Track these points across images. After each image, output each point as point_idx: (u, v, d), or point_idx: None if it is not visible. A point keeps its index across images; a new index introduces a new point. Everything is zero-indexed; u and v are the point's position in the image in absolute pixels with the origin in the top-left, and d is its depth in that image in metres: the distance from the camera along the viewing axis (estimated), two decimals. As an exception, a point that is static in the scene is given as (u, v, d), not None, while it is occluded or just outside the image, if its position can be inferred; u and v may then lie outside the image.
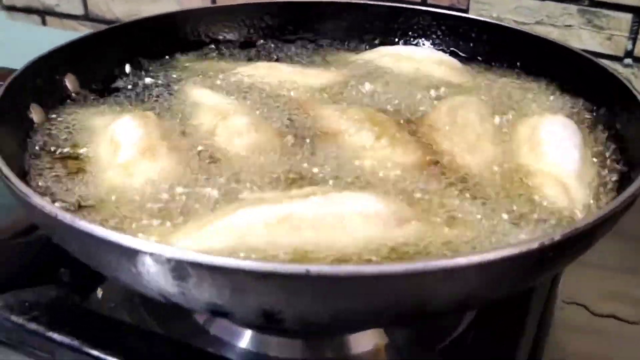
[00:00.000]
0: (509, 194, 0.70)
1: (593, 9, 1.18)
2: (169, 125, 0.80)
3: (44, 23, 1.68)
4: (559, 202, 0.69)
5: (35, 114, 0.79)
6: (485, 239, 0.63)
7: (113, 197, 0.68)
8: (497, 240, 0.63)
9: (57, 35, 1.63)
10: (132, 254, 0.52)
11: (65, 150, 0.76)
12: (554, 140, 0.76)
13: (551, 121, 0.80)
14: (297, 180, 0.70)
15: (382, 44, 1.05)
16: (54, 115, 0.83)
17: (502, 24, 1.02)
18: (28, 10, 1.67)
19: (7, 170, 0.60)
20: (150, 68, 0.97)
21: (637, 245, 0.93)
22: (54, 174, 0.72)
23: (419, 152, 0.75)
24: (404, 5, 1.07)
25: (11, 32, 1.67)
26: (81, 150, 0.76)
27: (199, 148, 0.75)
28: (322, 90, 0.89)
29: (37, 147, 0.76)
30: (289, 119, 0.82)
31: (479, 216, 0.66)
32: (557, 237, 0.53)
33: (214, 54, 1.03)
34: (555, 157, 0.74)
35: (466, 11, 1.25)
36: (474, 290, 0.55)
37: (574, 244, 0.56)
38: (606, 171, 0.75)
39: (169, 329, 0.78)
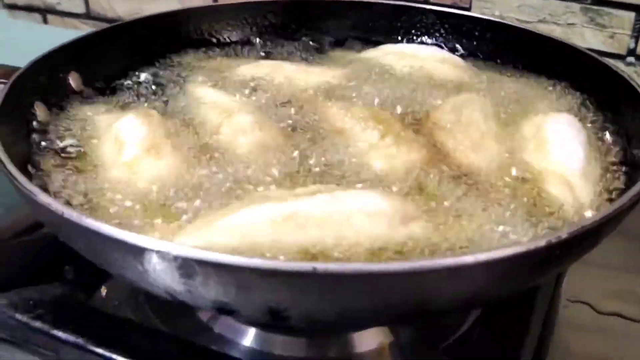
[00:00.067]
0: (514, 192, 0.70)
1: (596, 7, 1.18)
2: (172, 124, 0.80)
3: (45, 21, 1.67)
4: (564, 200, 0.69)
5: (40, 112, 0.79)
6: (490, 237, 0.63)
7: (118, 195, 0.68)
8: (503, 239, 0.63)
9: (58, 34, 1.63)
10: (139, 252, 0.52)
11: (70, 148, 0.76)
12: (559, 138, 0.76)
13: (556, 120, 0.80)
14: (302, 178, 0.70)
15: (385, 42, 1.05)
16: (57, 114, 0.82)
17: (506, 22, 1.02)
18: (29, 9, 1.67)
19: (12, 169, 0.60)
20: (154, 66, 0.96)
21: (641, 244, 0.93)
22: (58, 172, 0.72)
23: (424, 151, 0.75)
24: (408, 4, 1.07)
25: (12, 31, 1.66)
26: (85, 149, 0.76)
27: (204, 146, 0.75)
28: (325, 88, 0.89)
29: (41, 145, 0.76)
30: (293, 117, 0.81)
31: (483, 214, 0.66)
32: (564, 235, 0.53)
33: (217, 53, 1.03)
34: (560, 155, 0.74)
35: (468, 9, 1.25)
36: (481, 288, 0.55)
37: (581, 242, 0.56)
38: (611, 169, 0.75)
39: (173, 327, 0.78)
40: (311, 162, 0.73)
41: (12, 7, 1.68)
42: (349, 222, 0.61)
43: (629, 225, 0.63)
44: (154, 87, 0.91)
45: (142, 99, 0.88)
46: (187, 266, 0.51)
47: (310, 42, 1.06)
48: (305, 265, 0.49)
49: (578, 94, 0.90)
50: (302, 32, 1.08)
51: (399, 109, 0.84)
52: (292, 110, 0.83)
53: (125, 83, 0.92)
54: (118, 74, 0.93)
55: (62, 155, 0.75)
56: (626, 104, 0.81)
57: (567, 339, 0.80)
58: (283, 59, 1.01)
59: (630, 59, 1.19)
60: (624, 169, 0.75)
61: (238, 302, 0.54)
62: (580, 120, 0.82)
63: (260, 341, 0.77)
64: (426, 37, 1.06)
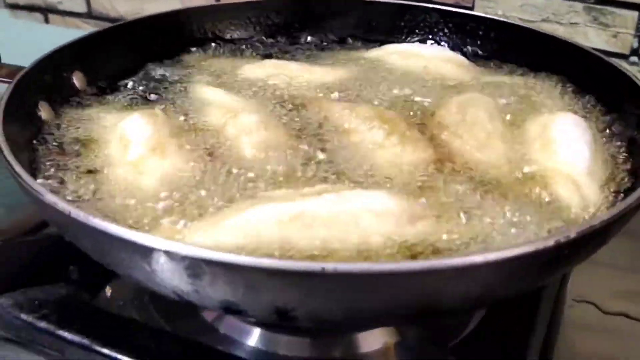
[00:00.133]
0: (521, 192, 0.70)
1: (599, 7, 1.18)
2: (177, 123, 0.80)
3: (46, 21, 1.67)
4: (571, 199, 0.69)
5: (44, 111, 0.79)
6: (497, 236, 0.63)
7: (123, 195, 0.68)
8: (509, 238, 0.63)
9: (60, 33, 1.63)
10: (146, 252, 0.52)
11: (75, 147, 0.76)
12: (565, 138, 0.76)
13: (562, 119, 0.80)
14: (307, 178, 0.70)
15: (388, 41, 1.05)
16: (62, 113, 0.82)
17: (510, 21, 1.02)
18: (30, 8, 1.67)
19: (19, 168, 0.60)
20: (158, 66, 0.96)
21: (647, 243, 0.93)
22: (63, 171, 0.72)
23: (429, 150, 0.74)
24: (411, 3, 1.07)
25: (14, 30, 1.66)
26: (90, 148, 0.76)
27: (209, 146, 0.75)
28: (330, 88, 0.89)
29: (46, 145, 0.76)
30: (298, 117, 0.81)
31: (490, 213, 0.66)
32: (572, 235, 0.53)
33: (221, 52, 1.03)
34: (566, 155, 0.74)
35: (471, 9, 1.25)
36: (489, 288, 0.55)
37: (589, 241, 0.56)
38: (617, 169, 0.75)
39: (178, 327, 0.78)
40: (317, 161, 0.73)
41: (14, 6, 1.67)
42: (356, 222, 0.60)
43: (634, 225, 0.63)
44: (157, 86, 0.91)
45: (146, 98, 0.88)
46: (195, 266, 0.51)
47: (314, 41, 1.06)
48: (314, 265, 0.49)
49: (583, 93, 0.90)
50: (306, 31, 1.08)
51: (403, 109, 0.84)
52: (297, 110, 0.83)
53: (129, 83, 0.92)
54: (122, 74, 0.93)
55: (67, 155, 0.74)
56: (631, 103, 0.81)
57: (573, 339, 0.80)
58: (286, 58, 1.01)
59: (634, 58, 1.19)
60: (629, 168, 0.75)
61: (245, 302, 0.54)
62: (585, 119, 0.82)
63: (265, 341, 0.76)
64: (430, 36, 1.06)
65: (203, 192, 0.68)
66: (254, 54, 1.03)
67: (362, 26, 1.08)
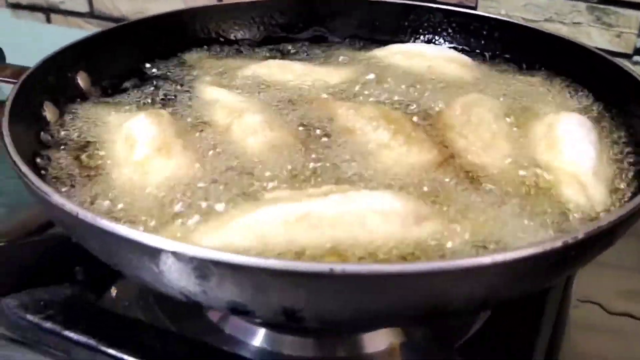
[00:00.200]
0: (526, 193, 0.70)
1: (602, 6, 1.18)
2: (182, 124, 0.80)
3: (48, 21, 1.67)
4: (577, 200, 0.69)
5: (49, 112, 0.79)
6: (503, 237, 0.63)
7: (129, 195, 0.68)
8: (516, 238, 0.63)
9: (62, 33, 1.63)
10: (154, 253, 0.52)
11: (80, 148, 0.76)
12: (570, 138, 0.76)
13: (567, 119, 0.80)
14: (313, 178, 0.70)
15: (392, 41, 1.05)
16: (67, 113, 0.82)
17: (515, 21, 1.02)
18: (32, 8, 1.67)
19: (26, 169, 0.60)
20: (162, 66, 0.96)
21: (652, 244, 0.93)
22: (69, 172, 0.72)
23: (435, 151, 0.74)
24: (415, 3, 1.07)
25: (16, 30, 1.66)
26: (96, 149, 0.76)
27: (214, 146, 0.75)
28: (334, 88, 0.89)
29: (51, 145, 0.76)
30: (302, 117, 0.81)
31: (496, 214, 0.66)
32: (580, 236, 0.53)
33: (225, 52, 1.03)
34: (572, 155, 0.74)
35: (474, 8, 1.25)
36: (497, 289, 0.55)
37: (596, 242, 0.56)
38: (622, 169, 0.75)
39: (183, 327, 0.78)
40: (322, 162, 0.73)
41: (16, 6, 1.67)
42: (363, 223, 0.60)
43: (638, 225, 0.62)
44: (162, 86, 0.91)
45: (151, 98, 0.88)
46: (203, 267, 0.51)
47: (318, 42, 1.06)
48: (322, 267, 0.49)
49: (587, 92, 0.90)
50: (309, 31, 1.08)
51: (408, 109, 0.84)
52: (302, 110, 0.83)
53: (134, 83, 0.92)
54: (126, 74, 0.93)
55: (72, 155, 0.74)
56: (636, 103, 0.81)
57: (578, 339, 0.80)
58: (290, 58, 1.01)
59: (637, 57, 1.19)
60: (635, 167, 0.75)
61: (253, 302, 0.54)
62: (590, 119, 0.82)
63: (270, 341, 0.77)
64: (433, 36, 1.06)
65: (209, 193, 0.67)
66: (258, 54, 1.03)
67: (366, 26, 1.08)
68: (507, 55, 1.00)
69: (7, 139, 0.65)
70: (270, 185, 0.68)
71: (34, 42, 1.56)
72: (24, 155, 0.63)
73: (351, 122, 0.78)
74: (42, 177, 0.69)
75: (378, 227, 0.61)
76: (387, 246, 0.60)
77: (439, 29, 1.06)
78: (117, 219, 0.63)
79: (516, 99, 0.88)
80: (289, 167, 0.71)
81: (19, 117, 0.71)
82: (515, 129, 0.81)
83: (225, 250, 0.51)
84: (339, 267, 0.49)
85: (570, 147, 0.75)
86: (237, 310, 0.56)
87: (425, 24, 1.06)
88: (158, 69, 0.95)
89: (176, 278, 0.53)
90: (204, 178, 0.70)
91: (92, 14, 1.62)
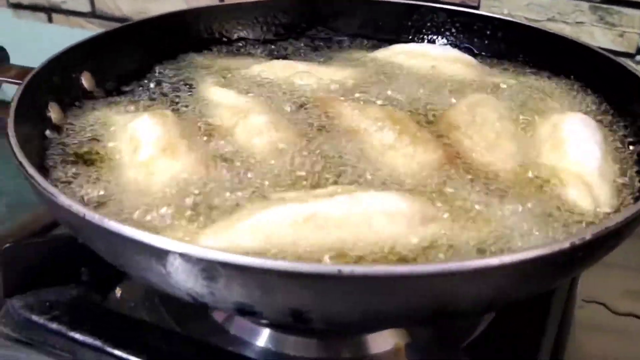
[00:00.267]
0: (532, 193, 0.70)
1: (605, 6, 1.18)
2: (187, 124, 0.80)
3: (50, 20, 1.67)
4: (583, 200, 0.69)
5: (54, 112, 0.79)
6: (509, 237, 0.63)
7: (135, 196, 0.68)
8: (522, 239, 0.63)
9: (63, 33, 1.63)
10: (162, 254, 0.52)
11: (85, 149, 0.76)
12: (575, 138, 0.76)
13: (572, 119, 0.79)
14: (319, 178, 0.70)
15: (396, 41, 1.05)
16: (71, 114, 0.82)
17: (518, 21, 1.02)
18: (34, 8, 1.66)
19: (32, 171, 0.60)
20: (166, 66, 0.96)
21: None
22: (74, 172, 0.71)
23: (440, 151, 0.74)
24: (418, 2, 1.07)
25: (17, 30, 1.66)
26: (100, 149, 0.76)
27: (219, 147, 0.75)
28: (339, 88, 0.89)
29: (56, 146, 0.76)
30: (307, 117, 0.81)
31: (502, 215, 0.66)
32: (588, 237, 0.53)
33: (228, 52, 1.03)
34: (577, 155, 0.73)
35: (477, 8, 1.24)
36: (504, 290, 0.55)
37: (604, 243, 0.56)
38: (627, 169, 0.75)
39: (189, 328, 0.78)
40: (328, 162, 0.72)
41: (17, 6, 1.67)
42: (369, 223, 0.61)
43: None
44: (166, 87, 0.90)
45: (155, 99, 0.88)
46: (211, 269, 0.51)
47: (321, 41, 1.06)
48: (331, 268, 0.49)
49: (591, 92, 0.90)
50: (312, 31, 1.08)
51: (413, 109, 0.84)
52: (306, 111, 0.83)
53: (138, 83, 0.92)
54: (130, 74, 0.93)
55: (77, 156, 0.74)
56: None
57: (583, 339, 0.80)
58: (294, 58, 1.01)
59: (640, 57, 1.19)
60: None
61: (261, 304, 0.54)
62: (594, 119, 0.82)
63: (274, 342, 0.77)
64: (437, 36, 1.06)
65: (215, 193, 0.67)
66: (262, 54, 1.03)
67: (369, 26, 1.08)
68: (510, 55, 1.00)
69: (13, 140, 0.65)
70: (277, 185, 0.68)
71: (36, 42, 1.56)
72: (30, 156, 0.63)
73: (356, 123, 0.78)
74: (47, 178, 0.69)
75: (384, 228, 0.61)
76: (394, 247, 0.60)
77: (443, 29, 1.06)
78: (123, 220, 0.62)
79: (520, 99, 0.88)
80: (295, 167, 0.71)
81: (24, 118, 0.71)
82: (519, 129, 0.81)
83: (232, 252, 0.51)
84: (347, 269, 0.49)
85: (575, 148, 0.75)
86: (244, 311, 0.56)
87: (429, 24, 1.07)
88: (162, 69, 0.95)
89: (183, 279, 0.53)
90: (210, 179, 0.69)
91: (93, 14, 1.62)
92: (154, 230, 0.62)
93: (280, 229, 0.59)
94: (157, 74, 0.94)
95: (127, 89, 0.90)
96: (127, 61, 0.93)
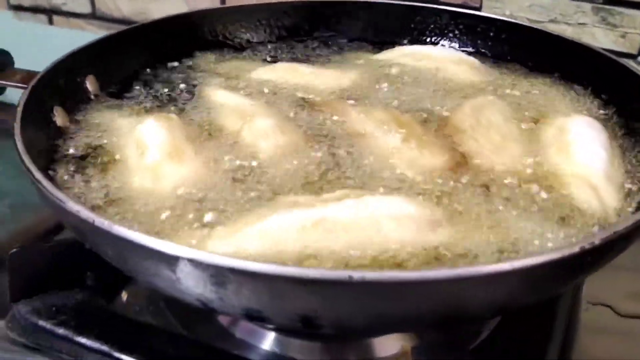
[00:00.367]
0: (539, 196, 0.69)
1: (607, 7, 1.18)
2: (192, 128, 0.80)
3: (50, 22, 1.67)
4: (589, 202, 0.69)
5: (59, 116, 0.79)
6: (517, 241, 0.63)
7: (142, 200, 0.67)
8: (530, 243, 0.63)
9: (64, 35, 1.63)
10: (171, 260, 0.51)
11: (90, 153, 0.76)
12: (581, 141, 0.76)
13: (577, 122, 0.80)
14: (326, 182, 0.70)
15: (399, 43, 1.05)
16: (76, 118, 0.82)
17: (523, 23, 1.02)
18: (34, 10, 1.66)
19: (39, 176, 0.60)
20: (171, 69, 0.96)
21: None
22: (80, 177, 0.71)
23: (446, 155, 0.74)
24: (421, 4, 1.07)
25: (18, 32, 1.65)
26: (106, 153, 0.76)
27: (225, 151, 0.75)
28: (343, 91, 0.89)
29: (61, 150, 0.76)
30: (313, 120, 0.81)
31: (509, 218, 0.66)
32: (597, 241, 0.53)
33: (232, 55, 1.03)
34: (583, 158, 0.74)
35: (479, 9, 1.25)
36: (514, 294, 0.55)
37: (612, 247, 0.56)
38: (633, 170, 0.75)
39: (194, 331, 0.77)
40: (334, 165, 0.72)
41: (18, 8, 1.67)
42: (378, 228, 0.61)
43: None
44: (170, 90, 0.90)
45: (159, 102, 0.88)
46: (221, 275, 0.51)
47: (324, 43, 1.06)
48: (341, 274, 0.49)
49: (595, 94, 0.90)
50: (316, 33, 1.08)
51: (418, 112, 0.84)
52: (312, 114, 0.83)
53: (142, 86, 0.91)
54: (134, 77, 0.93)
55: (83, 160, 0.74)
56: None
57: (589, 342, 0.80)
58: (297, 60, 1.01)
59: (642, 58, 1.19)
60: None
61: (270, 309, 0.54)
62: (599, 121, 0.82)
63: (280, 345, 0.76)
64: (440, 38, 1.06)
65: (222, 198, 0.67)
66: (266, 56, 1.02)
67: (372, 28, 1.08)
68: (514, 57, 1.00)
69: (19, 144, 0.65)
70: (283, 189, 0.68)
71: (38, 44, 1.55)
72: (35, 161, 0.63)
73: (362, 126, 0.78)
74: (54, 183, 0.69)
75: (393, 233, 0.61)
76: (402, 252, 0.60)
77: (446, 31, 1.06)
78: (132, 226, 0.62)
79: (525, 101, 0.88)
80: (301, 171, 0.71)
81: (30, 122, 0.71)
82: (525, 131, 0.81)
83: (242, 258, 0.50)
84: (357, 275, 0.49)
85: (581, 150, 0.75)
86: (254, 316, 0.56)
87: (432, 26, 1.06)
88: (166, 73, 0.95)
89: (193, 285, 0.53)
90: (217, 183, 0.69)
91: (94, 15, 1.62)
92: (162, 235, 0.62)
93: (288, 233, 0.59)
94: (161, 77, 0.94)
95: (131, 92, 0.90)
96: (131, 64, 0.93)
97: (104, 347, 0.69)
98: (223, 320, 0.79)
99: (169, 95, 0.89)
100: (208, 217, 0.65)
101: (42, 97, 0.77)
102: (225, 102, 0.85)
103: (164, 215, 0.65)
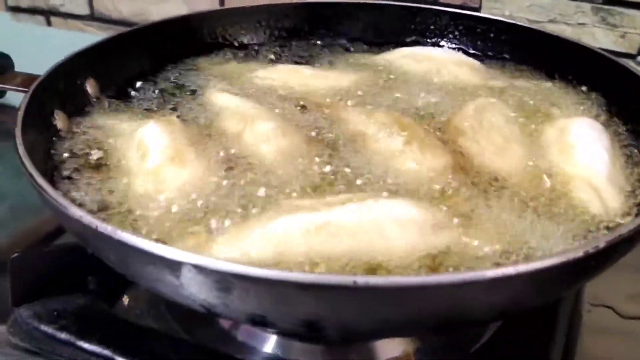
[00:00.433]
0: (542, 199, 0.69)
1: (606, 7, 1.18)
2: (193, 131, 0.79)
3: (48, 23, 1.66)
4: (591, 204, 0.69)
5: (59, 120, 0.79)
6: (520, 244, 0.63)
7: (144, 205, 0.67)
8: (533, 246, 0.63)
9: (62, 36, 1.62)
10: (175, 266, 0.51)
11: (91, 157, 0.75)
12: (583, 143, 0.76)
13: (579, 123, 0.80)
14: (329, 186, 0.69)
15: (399, 44, 1.05)
16: (76, 121, 0.82)
17: (522, 24, 1.02)
18: (32, 11, 1.66)
19: (41, 181, 0.59)
20: (170, 72, 0.96)
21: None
22: (81, 181, 0.71)
23: (449, 157, 0.74)
24: (421, 5, 1.07)
25: (16, 34, 1.65)
26: (107, 157, 0.75)
27: (227, 154, 0.75)
28: (344, 93, 0.89)
29: (62, 154, 0.75)
30: (314, 123, 0.81)
31: (511, 221, 0.66)
32: (601, 245, 0.53)
33: (233, 57, 1.02)
34: (585, 160, 0.74)
35: (478, 10, 1.24)
36: (519, 298, 0.54)
37: (616, 250, 0.56)
38: (635, 172, 0.75)
39: (195, 335, 0.77)
40: (337, 168, 0.72)
41: (16, 9, 1.66)
42: (381, 232, 0.61)
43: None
44: (171, 92, 0.90)
45: (160, 105, 0.87)
46: (226, 280, 0.50)
47: (324, 45, 1.06)
48: (346, 279, 0.49)
49: (596, 95, 0.90)
50: (315, 34, 1.08)
51: (419, 114, 0.84)
52: (314, 116, 0.82)
53: (143, 89, 0.91)
54: (134, 80, 0.92)
55: (84, 164, 0.74)
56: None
57: (590, 343, 0.80)
58: (297, 62, 1.01)
59: (642, 58, 1.19)
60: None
61: (274, 314, 0.54)
62: (600, 122, 0.82)
63: (281, 348, 0.77)
64: (440, 39, 1.06)
65: (224, 202, 0.67)
66: (266, 58, 1.02)
67: (372, 29, 1.08)
68: (514, 58, 1.00)
69: (21, 149, 0.64)
70: (286, 192, 0.68)
71: (36, 45, 1.55)
72: (37, 165, 0.62)
73: (364, 129, 0.78)
74: (55, 187, 0.68)
75: (396, 236, 0.61)
76: (406, 255, 0.60)
77: (445, 32, 1.06)
78: (135, 231, 0.62)
79: (526, 103, 0.88)
80: (304, 174, 0.71)
81: (31, 125, 0.71)
82: (526, 133, 0.81)
83: (246, 262, 0.50)
84: (362, 280, 0.49)
85: (583, 152, 0.75)
86: (258, 322, 0.55)
87: (432, 27, 1.06)
88: (167, 75, 0.95)
89: (197, 291, 0.53)
90: (219, 187, 0.69)
91: (92, 16, 1.61)
92: (165, 240, 0.62)
93: (292, 237, 0.59)
94: (161, 80, 0.94)
95: (131, 95, 0.90)
96: (131, 67, 0.93)
97: (106, 352, 0.70)
98: (224, 323, 0.79)
99: (169, 98, 0.89)
100: (211, 221, 0.64)
101: (42, 101, 0.76)
102: (226, 104, 0.85)
103: (166, 220, 0.65)
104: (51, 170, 0.72)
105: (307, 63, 1.00)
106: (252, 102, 0.85)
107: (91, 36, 1.57)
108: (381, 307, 0.51)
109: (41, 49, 1.44)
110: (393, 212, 0.62)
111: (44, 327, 0.72)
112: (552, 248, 0.63)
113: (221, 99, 0.86)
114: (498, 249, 0.62)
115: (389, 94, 0.89)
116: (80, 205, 0.67)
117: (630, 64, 1.02)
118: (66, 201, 0.57)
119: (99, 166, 0.74)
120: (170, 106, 0.87)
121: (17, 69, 0.96)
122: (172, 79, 0.94)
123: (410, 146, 0.74)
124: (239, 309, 0.54)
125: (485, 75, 0.96)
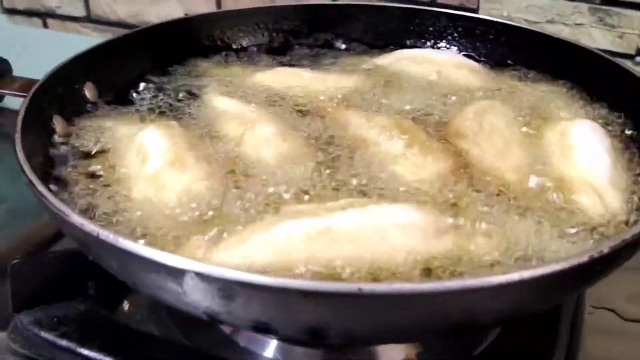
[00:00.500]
0: (543, 202, 0.69)
1: (604, 7, 1.18)
2: (193, 135, 0.79)
3: (45, 25, 1.65)
4: (593, 207, 0.68)
5: (58, 124, 0.78)
6: (524, 248, 0.63)
7: (144, 211, 0.67)
8: (536, 250, 0.63)
9: (59, 38, 1.62)
10: (178, 274, 0.51)
11: (91, 161, 0.75)
12: (584, 145, 0.76)
13: (579, 126, 0.79)
14: (330, 190, 0.69)
15: (399, 46, 1.05)
16: (75, 126, 0.81)
17: (521, 25, 1.02)
18: (29, 13, 1.65)
19: (42, 189, 0.59)
20: (169, 75, 0.95)
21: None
22: (80, 187, 0.71)
23: (450, 160, 0.74)
24: (421, 7, 1.07)
25: (12, 36, 1.64)
26: (107, 162, 0.75)
27: (227, 158, 0.74)
28: (344, 96, 0.88)
29: (61, 159, 0.75)
30: (314, 127, 0.81)
31: (513, 225, 0.66)
32: (606, 250, 0.53)
33: (232, 60, 1.02)
34: (586, 162, 0.73)
35: (476, 11, 1.24)
36: (522, 304, 0.54)
37: (620, 255, 0.56)
38: (636, 174, 0.75)
39: (196, 341, 0.77)
40: (337, 173, 0.72)
41: (12, 11, 1.66)
42: (383, 237, 0.60)
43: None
44: (170, 96, 0.90)
45: (159, 109, 0.87)
46: (229, 288, 0.50)
47: (323, 47, 1.06)
48: (351, 287, 0.49)
49: (596, 97, 0.90)
50: (314, 37, 1.07)
51: (420, 117, 0.83)
52: (314, 120, 0.82)
53: (141, 93, 0.91)
54: (133, 84, 0.92)
55: (83, 169, 0.74)
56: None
57: (592, 345, 0.80)
58: (296, 64, 1.00)
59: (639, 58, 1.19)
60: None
61: (278, 322, 0.54)
62: (601, 125, 0.82)
63: (282, 353, 0.76)
64: (439, 41, 1.06)
65: (225, 206, 0.67)
66: (265, 60, 1.02)
67: (371, 31, 1.07)
68: (514, 60, 1.00)
69: (20, 155, 0.64)
70: (287, 197, 0.68)
71: (32, 48, 1.55)
72: (36, 170, 0.62)
73: (364, 132, 0.78)
74: (55, 194, 0.68)
75: (398, 241, 0.60)
76: (408, 260, 0.59)
77: (444, 34, 1.06)
78: (136, 238, 0.62)
79: (526, 105, 0.88)
80: (304, 178, 0.71)
81: (30, 131, 0.71)
82: (527, 135, 0.81)
83: (249, 269, 0.50)
84: (367, 287, 0.48)
85: (584, 155, 0.75)
86: (262, 329, 0.55)
87: (431, 29, 1.06)
88: (166, 78, 0.94)
89: (200, 298, 0.53)
90: (220, 191, 0.69)
91: (89, 18, 1.61)
92: (166, 246, 0.62)
93: (294, 243, 0.59)
94: (160, 83, 0.93)
95: (130, 99, 0.89)
96: (129, 70, 0.92)
97: (107, 358, 0.69)
98: (226, 328, 0.78)
99: (168, 101, 0.88)
100: (212, 226, 0.64)
101: (41, 106, 0.76)
102: (225, 108, 0.85)
103: (167, 226, 0.64)
104: (50, 176, 0.72)
105: (306, 66, 1.00)
106: (252, 105, 0.85)
107: (88, 38, 1.56)
108: (386, 314, 0.51)
109: (38, 51, 1.44)
110: (394, 216, 0.62)
111: (44, 334, 0.72)
112: (554, 251, 0.62)
113: (221, 103, 0.86)
114: (501, 253, 0.62)
115: (389, 96, 0.88)
116: (82, 211, 0.66)
117: (628, 64, 1.02)
118: (67, 208, 0.57)
119: (98, 171, 0.73)
120: (170, 110, 0.86)
121: (13, 71, 0.95)
122: (171, 82, 0.93)
123: (411, 149, 0.74)
124: (242, 317, 0.53)
125: (485, 77, 0.95)
